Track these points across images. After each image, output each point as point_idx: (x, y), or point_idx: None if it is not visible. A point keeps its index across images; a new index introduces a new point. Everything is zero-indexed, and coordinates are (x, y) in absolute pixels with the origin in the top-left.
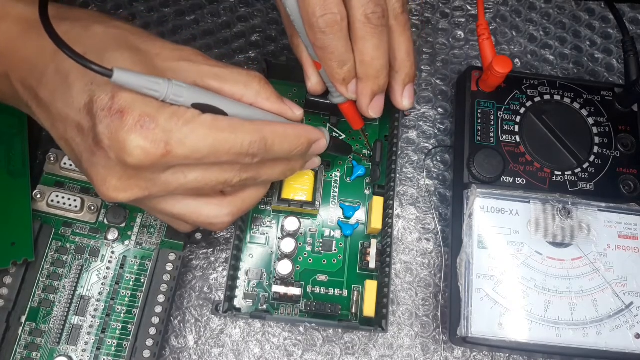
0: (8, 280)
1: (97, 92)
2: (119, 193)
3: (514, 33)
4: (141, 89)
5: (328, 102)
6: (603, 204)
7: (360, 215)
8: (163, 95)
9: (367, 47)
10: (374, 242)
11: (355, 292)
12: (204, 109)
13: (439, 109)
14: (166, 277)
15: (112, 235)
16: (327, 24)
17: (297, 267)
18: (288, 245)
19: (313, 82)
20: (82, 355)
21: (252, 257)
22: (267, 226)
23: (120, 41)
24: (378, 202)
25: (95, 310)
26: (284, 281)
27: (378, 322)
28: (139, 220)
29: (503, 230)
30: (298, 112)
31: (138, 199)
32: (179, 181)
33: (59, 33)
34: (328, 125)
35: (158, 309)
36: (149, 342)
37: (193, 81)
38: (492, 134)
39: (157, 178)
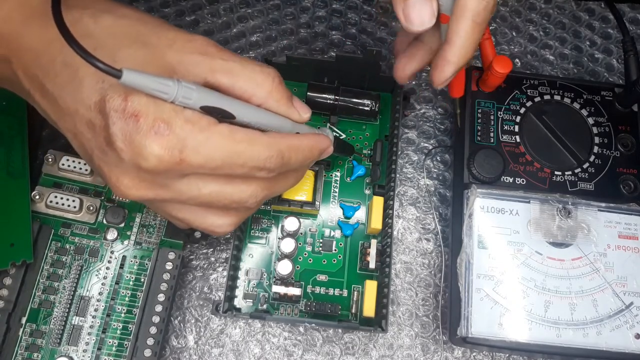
0: (8, 281)
1: (109, 92)
2: (131, 191)
3: (514, 33)
4: (150, 91)
5: (329, 101)
6: (603, 204)
7: (360, 215)
8: (172, 97)
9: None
10: (374, 242)
11: (355, 292)
12: (212, 111)
13: (439, 109)
14: (166, 276)
15: (112, 235)
16: None
17: (297, 267)
18: (288, 245)
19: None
20: (83, 356)
21: (252, 257)
22: (267, 226)
23: (130, 35)
24: (378, 202)
25: (96, 310)
26: (284, 281)
27: (378, 322)
28: (138, 219)
29: (503, 230)
30: (305, 115)
31: (148, 200)
32: (192, 193)
33: (67, 21)
34: (328, 124)
35: (158, 308)
36: (150, 341)
37: (203, 77)
38: (492, 134)
39: (171, 184)
